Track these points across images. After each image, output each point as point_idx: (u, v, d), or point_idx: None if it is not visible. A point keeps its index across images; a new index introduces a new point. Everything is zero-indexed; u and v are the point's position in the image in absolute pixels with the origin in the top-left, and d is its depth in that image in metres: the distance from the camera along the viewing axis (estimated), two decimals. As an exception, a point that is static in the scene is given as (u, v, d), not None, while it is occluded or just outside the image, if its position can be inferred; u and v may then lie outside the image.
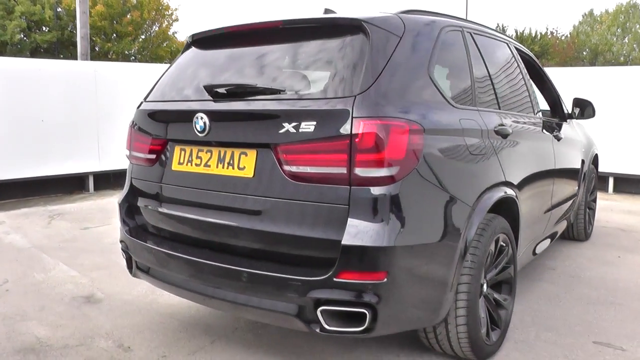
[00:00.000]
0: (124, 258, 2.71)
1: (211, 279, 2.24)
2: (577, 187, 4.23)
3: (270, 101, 2.16)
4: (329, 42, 2.26)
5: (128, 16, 26.92)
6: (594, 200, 5.09)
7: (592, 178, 4.84)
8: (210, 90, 2.29)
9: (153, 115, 2.62)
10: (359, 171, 1.92)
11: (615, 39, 39.96)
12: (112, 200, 6.78)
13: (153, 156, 2.56)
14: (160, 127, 2.57)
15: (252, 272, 2.08)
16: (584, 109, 4.04)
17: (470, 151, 2.36)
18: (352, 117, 1.92)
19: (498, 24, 43.51)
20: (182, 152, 2.43)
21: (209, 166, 2.30)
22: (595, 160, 4.92)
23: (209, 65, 2.59)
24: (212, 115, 2.24)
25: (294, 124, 2.01)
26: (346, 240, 1.91)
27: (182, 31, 57.30)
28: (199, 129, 2.26)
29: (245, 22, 2.49)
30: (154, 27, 29.10)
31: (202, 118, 2.24)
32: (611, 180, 7.49)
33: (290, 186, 2.04)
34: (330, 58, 2.21)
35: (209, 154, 2.31)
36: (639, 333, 2.91)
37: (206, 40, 2.72)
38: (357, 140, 1.91)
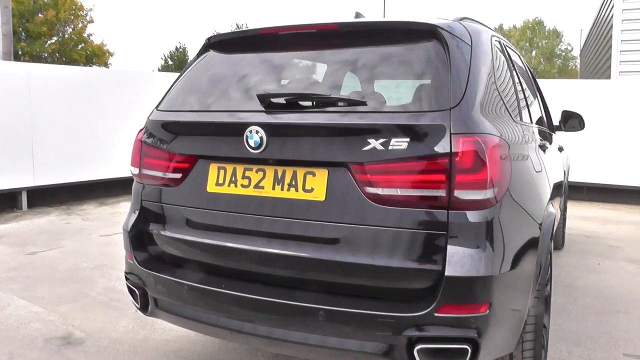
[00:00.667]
0: (136, 295, 2.29)
1: (270, 318, 1.93)
2: (562, 197, 4.32)
3: (348, 114, 1.90)
4: (397, 48, 2.04)
5: (41, 15, 24.89)
6: (565, 209, 5.27)
7: (567, 187, 5.00)
8: (264, 99, 1.98)
9: (175, 127, 2.25)
10: (459, 193, 1.73)
11: (523, 52, 43.12)
12: (52, 220, 6.07)
13: (177, 175, 2.19)
14: (187, 141, 2.20)
15: (331, 309, 1.81)
16: (570, 121, 4.12)
17: (535, 168, 2.26)
18: (451, 134, 1.74)
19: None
20: (222, 172, 2.09)
21: (262, 188, 1.99)
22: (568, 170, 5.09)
23: (244, 72, 2.27)
24: (271, 128, 1.94)
25: (382, 140, 1.78)
26: (450, 271, 1.71)
27: (97, 34, 54.17)
28: (252, 145, 1.94)
29: (282, 24, 2.21)
30: (68, 28, 27.15)
31: (257, 132, 1.92)
32: (558, 187, 7.88)
33: (373, 210, 1.81)
34: (403, 66, 2.01)
35: (260, 173, 2.00)
36: (658, 342, 2.96)
37: (231, 43, 2.39)
38: (457, 159, 1.73)
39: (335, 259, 1.85)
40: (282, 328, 1.92)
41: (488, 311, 1.75)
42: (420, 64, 1.98)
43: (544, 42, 43.00)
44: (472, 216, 1.74)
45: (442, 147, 1.73)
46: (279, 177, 1.96)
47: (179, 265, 2.24)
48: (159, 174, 2.25)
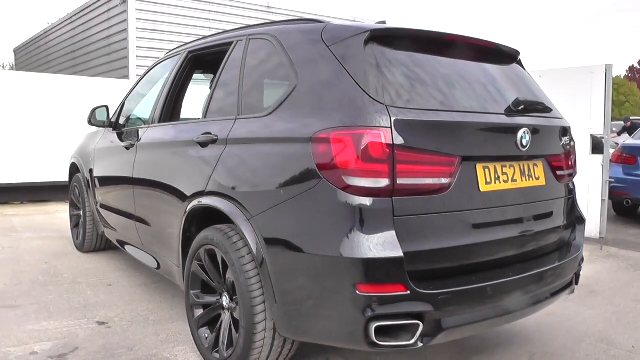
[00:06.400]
0: (415, 327, 1.97)
1: (538, 286, 2.41)
2: None
3: (551, 119, 2.61)
4: (513, 67, 2.74)
5: None
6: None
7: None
8: (519, 105, 2.39)
9: (439, 128, 2.13)
10: (572, 171, 2.77)
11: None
12: None
13: (450, 180, 2.12)
14: (452, 143, 2.14)
15: (561, 264, 2.50)
16: None
17: None
18: (570, 133, 2.77)
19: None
20: (487, 171, 2.27)
21: (515, 181, 2.40)
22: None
23: (447, 73, 2.39)
24: (533, 130, 2.42)
25: (566, 137, 2.69)
26: (583, 216, 2.86)
27: None
28: (524, 144, 2.35)
29: (459, 33, 2.47)
30: None
31: (528, 133, 2.36)
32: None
33: (560, 187, 2.66)
34: (522, 82, 2.70)
35: (512, 168, 2.39)
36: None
37: (412, 41, 2.36)
38: (571, 149, 2.80)
39: (551, 227, 2.60)
40: (541, 290, 2.44)
41: None
42: (525, 80, 2.74)
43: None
44: (569, 185, 2.77)
45: (571, 141, 2.76)
46: (523, 169, 2.44)
47: (462, 272, 2.18)
48: (431, 180, 2.08)
